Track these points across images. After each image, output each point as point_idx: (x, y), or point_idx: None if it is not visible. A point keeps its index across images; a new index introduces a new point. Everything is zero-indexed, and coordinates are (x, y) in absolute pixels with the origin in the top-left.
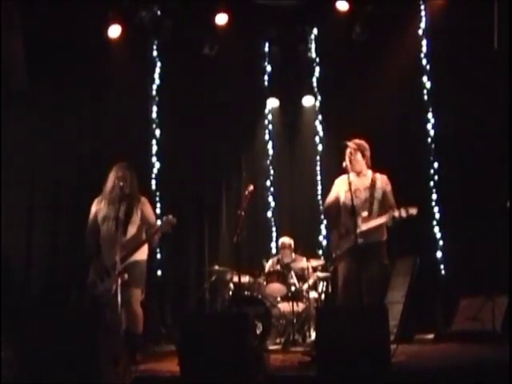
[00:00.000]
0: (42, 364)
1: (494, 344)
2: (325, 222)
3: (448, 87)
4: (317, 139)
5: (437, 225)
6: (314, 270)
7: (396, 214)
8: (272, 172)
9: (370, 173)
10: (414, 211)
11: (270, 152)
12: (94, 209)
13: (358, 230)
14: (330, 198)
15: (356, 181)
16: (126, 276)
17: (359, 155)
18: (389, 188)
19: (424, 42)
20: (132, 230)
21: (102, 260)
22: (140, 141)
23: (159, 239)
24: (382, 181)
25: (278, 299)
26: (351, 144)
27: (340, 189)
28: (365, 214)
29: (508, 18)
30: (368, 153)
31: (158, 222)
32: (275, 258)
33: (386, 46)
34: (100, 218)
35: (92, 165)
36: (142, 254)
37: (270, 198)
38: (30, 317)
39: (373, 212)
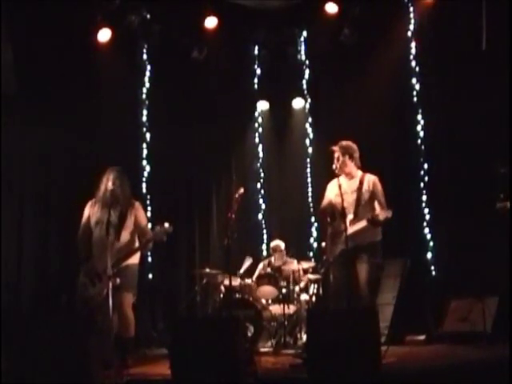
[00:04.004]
0: (32, 367)
1: (485, 345)
2: (315, 224)
3: (437, 88)
4: (307, 141)
5: (427, 226)
6: (305, 272)
7: (370, 216)
8: (262, 175)
9: (359, 174)
10: (388, 214)
11: (260, 155)
12: (86, 212)
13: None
14: (324, 203)
15: (345, 183)
16: (117, 280)
17: (347, 158)
18: (378, 188)
19: (413, 44)
20: (125, 235)
21: (93, 263)
22: (130, 144)
23: (152, 246)
24: (369, 182)
25: (269, 302)
26: (337, 148)
27: (331, 193)
28: (350, 216)
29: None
30: (356, 154)
31: (152, 228)
32: (266, 261)
33: (374, 47)
34: (93, 221)
35: (82, 168)
36: (134, 258)
37: (261, 201)
38: (21, 321)
39: (358, 215)
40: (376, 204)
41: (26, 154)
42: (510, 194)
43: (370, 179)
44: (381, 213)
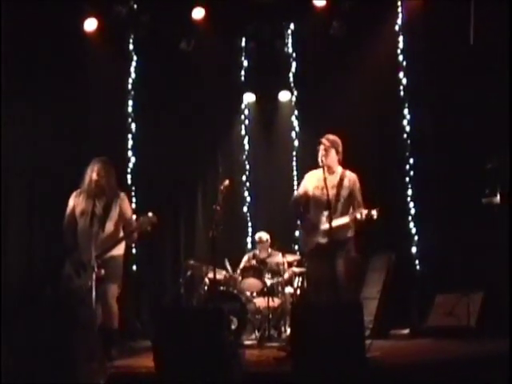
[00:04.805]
0: (15, 360)
1: (469, 339)
2: None
3: (424, 83)
4: (293, 134)
5: (412, 221)
6: (290, 265)
7: (358, 215)
8: (248, 167)
9: (339, 170)
10: (374, 214)
11: (246, 147)
12: (71, 202)
13: (323, 227)
14: (299, 192)
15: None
16: (102, 271)
17: (333, 152)
18: (357, 187)
19: (400, 39)
20: (110, 226)
21: (78, 254)
22: (116, 135)
23: (137, 237)
24: (350, 179)
25: (254, 294)
26: (325, 141)
27: (309, 184)
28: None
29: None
30: (341, 149)
31: (137, 219)
32: (251, 253)
33: (362, 41)
34: (78, 212)
35: (67, 159)
36: (119, 249)
37: (246, 193)
38: (5, 314)
39: (337, 210)
40: (355, 202)
41: (12, 144)
42: (510, 190)
43: (351, 177)
44: (371, 211)
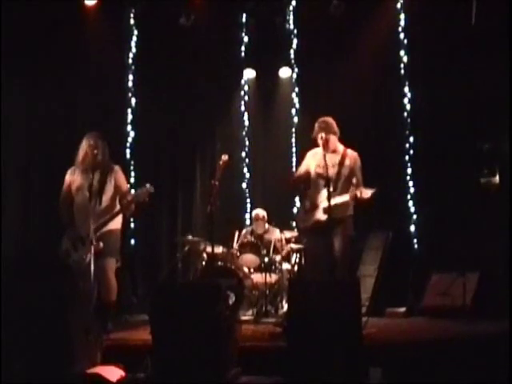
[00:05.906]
0: (12, 333)
1: (464, 319)
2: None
3: (425, 62)
4: (293, 111)
5: (411, 199)
6: (288, 241)
7: (358, 193)
8: (247, 143)
9: (341, 149)
10: (373, 193)
11: (246, 123)
12: (67, 178)
13: (322, 205)
14: (301, 170)
15: (327, 157)
16: (100, 245)
17: (331, 135)
18: (357, 165)
19: (402, 16)
20: (106, 200)
21: (76, 229)
22: (115, 109)
23: (135, 209)
24: (351, 158)
25: (251, 270)
26: (322, 132)
27: (310, 162)
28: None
29: None
30: (336, 128)
31: (133, 191)
32: (249, 229)
33: (363, 19)
34: (74, 187)
35: (66, 133)
36: (116, 223)
37: (245, 169)
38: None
39: (338, 189)
40: (354, 181)
41: (9, 117)
42: (511, 180)
43: (352, 155)
44: (370, 190)
